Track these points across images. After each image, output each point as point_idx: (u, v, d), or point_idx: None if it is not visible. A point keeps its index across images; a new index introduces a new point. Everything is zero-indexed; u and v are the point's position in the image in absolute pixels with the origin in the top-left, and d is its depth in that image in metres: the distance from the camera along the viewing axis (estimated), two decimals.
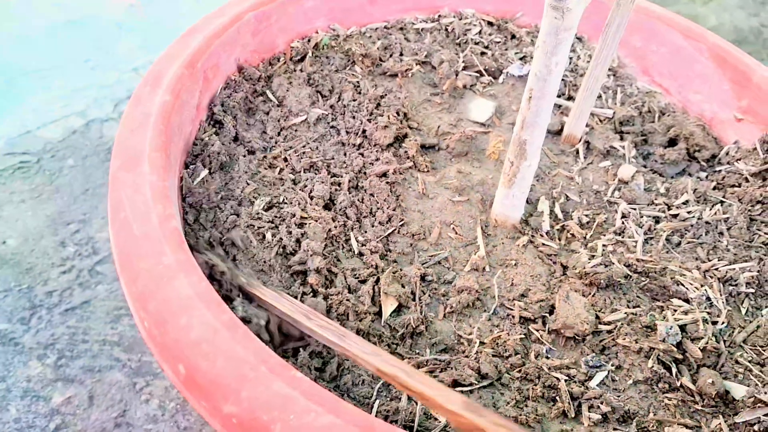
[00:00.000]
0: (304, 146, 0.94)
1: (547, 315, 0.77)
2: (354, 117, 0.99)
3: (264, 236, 0.78)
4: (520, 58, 1.13)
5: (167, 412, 0.92)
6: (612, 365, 0.72)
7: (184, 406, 0.93)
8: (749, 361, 0.75)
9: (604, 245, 0.86)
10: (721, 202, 0.95)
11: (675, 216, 0.93)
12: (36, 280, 1.05)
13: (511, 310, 0.77)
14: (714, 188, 0.97)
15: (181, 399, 0.94)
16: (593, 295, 0.79)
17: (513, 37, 1.21)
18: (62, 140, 1.32)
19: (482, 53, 1.13)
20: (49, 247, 1.11)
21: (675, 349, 0.72)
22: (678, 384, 0.70)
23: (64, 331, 0.99)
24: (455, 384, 0.68)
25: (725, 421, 0.68)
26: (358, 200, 0.87)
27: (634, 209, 0.93)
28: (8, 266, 1.07)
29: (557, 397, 0.68)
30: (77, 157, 1.29)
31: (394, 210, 0.87)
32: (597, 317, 0.76)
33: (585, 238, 0.88)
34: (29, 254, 1.09)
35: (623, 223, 0.91)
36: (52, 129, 1.34)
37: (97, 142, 1.32)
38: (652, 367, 0.71)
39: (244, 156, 0.88)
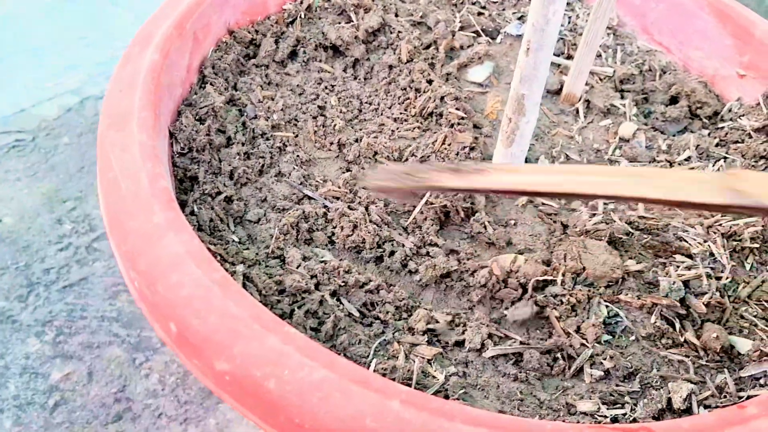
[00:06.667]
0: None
1: None
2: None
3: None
4: (518, 18, 1.11)
5: (167, 386, 0.92)
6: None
7: (185, 380, 0.92)
8: (754, 316, 0.73)
9: (605, 203, 0.84)
10: (725, 158, 0.93)
11: None
12: (33, 257, 1.05)
13: None
14: (717, 144, 0.95)
15: (181, 373, 0.93)
16: None
17: None
18: (57, 118, 1.30)
19: (479, 13, 1.11)
20: (45, 224, 1.10)
21: (678, 305, 0.71)
22: (682, 339, 0.69)
23: (62, 308, 0.98)
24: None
25: (730, 376, 0.66)
26: None
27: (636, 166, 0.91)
28: (5, 244, 1.06)
29: (558, 355, 0.66)
30: (72, 134, 1.27)
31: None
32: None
33: None
34: (26, 232, 1.08)
35: None
36: (47, 107, 1.32)
37: (92, 120, 1.31)
38: (655, 323, 0.69)
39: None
